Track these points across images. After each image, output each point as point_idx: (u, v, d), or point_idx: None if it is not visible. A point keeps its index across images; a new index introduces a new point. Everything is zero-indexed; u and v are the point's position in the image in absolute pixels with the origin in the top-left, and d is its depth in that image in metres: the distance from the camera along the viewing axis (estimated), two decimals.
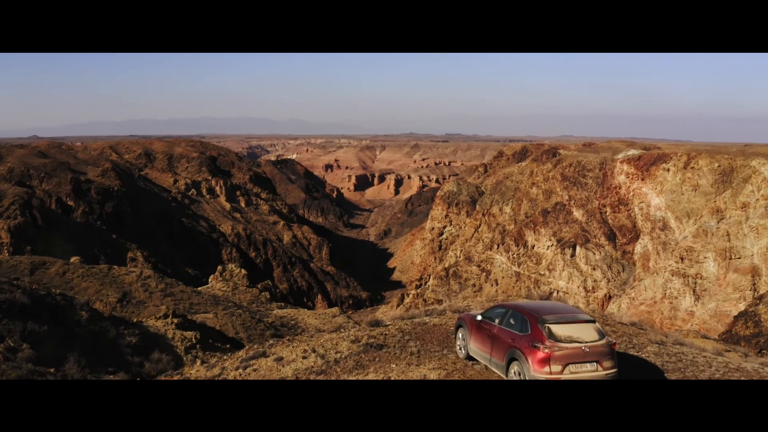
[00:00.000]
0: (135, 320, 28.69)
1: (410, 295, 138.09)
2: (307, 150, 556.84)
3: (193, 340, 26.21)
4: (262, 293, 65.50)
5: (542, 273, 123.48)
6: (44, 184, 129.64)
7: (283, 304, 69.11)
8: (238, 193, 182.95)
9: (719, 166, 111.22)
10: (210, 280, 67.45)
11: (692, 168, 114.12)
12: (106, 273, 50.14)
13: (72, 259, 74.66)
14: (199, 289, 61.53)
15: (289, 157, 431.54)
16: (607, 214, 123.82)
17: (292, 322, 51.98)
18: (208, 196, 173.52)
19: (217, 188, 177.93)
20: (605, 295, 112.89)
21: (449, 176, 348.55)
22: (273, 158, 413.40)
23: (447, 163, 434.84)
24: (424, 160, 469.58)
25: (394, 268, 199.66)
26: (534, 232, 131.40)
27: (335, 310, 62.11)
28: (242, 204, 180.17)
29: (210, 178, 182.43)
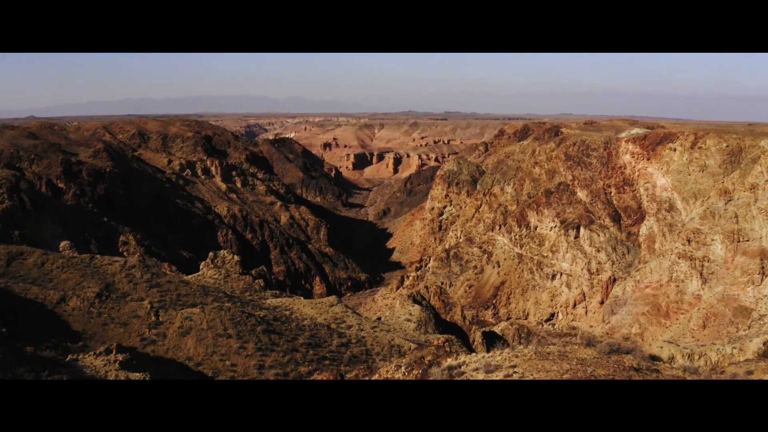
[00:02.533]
0: (69, 358, 25.61)
1: (410, 278, 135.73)
2: (305, 128, 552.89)
3: None
4: (256, 280, 62.88)
5: (545, 255, 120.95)
6: (34, 166, 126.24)
7: (277, 291, 66.45)
8: (234, 173, 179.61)
9: (727, 146, 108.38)
10: (201, 266, 64.78)
11: (699, 148, 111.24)
12: (87, 263, 47.31)
13: (62, 244, 71.85)
14: (188, 277, 58.86)
15: (287, 136, 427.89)
16: (612, 194, 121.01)
17: (287, 313, 49.46)
18: (203, 177, 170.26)
19: (213, 168, 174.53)
20: (609, 277, 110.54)
21: (448, 155, 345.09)
22: (271, 137, 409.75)
23: (446, 142, 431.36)
24: (423, 138, 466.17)
25: (393, 249, 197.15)
26: (537, 212, 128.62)
27: (332, 298, 59.45)
28: (238, 184, 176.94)
29: (205, 158, 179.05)
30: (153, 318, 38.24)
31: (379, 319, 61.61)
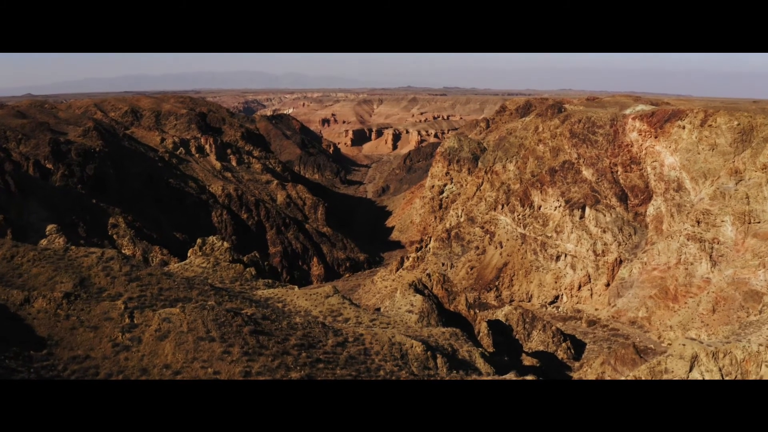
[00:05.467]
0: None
1: (410, 258, 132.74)
2: (303, 104, 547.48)
3: None
4: (248, 269, 59.43)
5: (549, 235, 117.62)
6: (21, 146, 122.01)
7: (270, 281, 62.97)
8: (229, 151, 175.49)
9: (738, 125, 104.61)
10: (189, 254, 61.39)
11: (710, 126, 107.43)
12: (61, 255, 43.72)
13: (48, 228, 68.57)
14: (174, 266, 55.58)
15: (284, 112, 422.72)
16: (619, 173, 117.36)
17: (279, 305, 46.30)
18: (197, 155, 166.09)
19: (207, 146, 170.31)
20: (616, 259, 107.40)
21: (448, 131, 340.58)
22: (269, 113, 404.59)
23: (446, 117, 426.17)
24: (422, 114, 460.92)
25: (392, 228, 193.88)
26: (540, 191, 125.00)
27: (328, 288, 56.20)
28: (233, 163, 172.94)
29: (199, 136, 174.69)
30: (127, 320, 34.91)
31: (378, 309, 58.65)
